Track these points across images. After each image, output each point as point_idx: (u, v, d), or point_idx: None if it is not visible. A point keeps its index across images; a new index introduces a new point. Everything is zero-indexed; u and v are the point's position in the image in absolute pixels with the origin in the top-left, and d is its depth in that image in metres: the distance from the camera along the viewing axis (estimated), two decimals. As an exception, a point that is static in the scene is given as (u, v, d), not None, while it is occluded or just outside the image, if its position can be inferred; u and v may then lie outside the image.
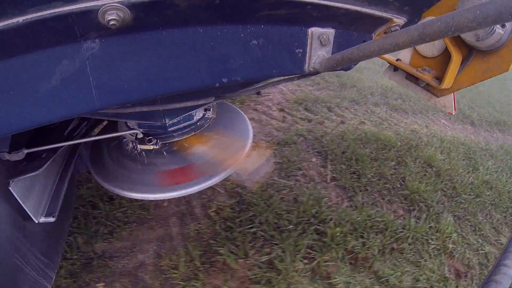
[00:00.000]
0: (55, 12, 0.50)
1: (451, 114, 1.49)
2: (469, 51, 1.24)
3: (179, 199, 1.89)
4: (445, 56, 1.30)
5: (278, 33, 0.76)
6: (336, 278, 1.51)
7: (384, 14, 0.81)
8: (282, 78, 0.96)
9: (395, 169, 2.34)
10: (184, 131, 1.25)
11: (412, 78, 1.53)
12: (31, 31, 0.51)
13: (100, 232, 1.64)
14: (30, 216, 0.86)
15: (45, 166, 0.91)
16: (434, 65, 1.40)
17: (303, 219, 1.76)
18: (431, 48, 1.37)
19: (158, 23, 0.61)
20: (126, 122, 1.24)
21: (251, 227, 1.69)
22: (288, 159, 2.23)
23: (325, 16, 0.75)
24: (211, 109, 1.39)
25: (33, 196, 0.90)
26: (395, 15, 0.83)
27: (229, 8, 0.64)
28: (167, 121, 1.14)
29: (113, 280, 1.46)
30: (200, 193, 1.93)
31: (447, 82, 1.29)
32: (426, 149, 2.67)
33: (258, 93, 1.43)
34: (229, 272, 1.51)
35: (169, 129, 1.20)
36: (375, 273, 1.59)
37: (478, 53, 1.21)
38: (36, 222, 0.89)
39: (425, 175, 2.38)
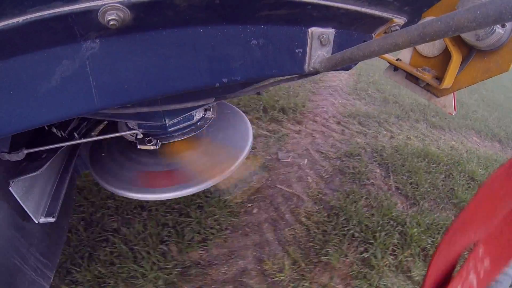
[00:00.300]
0: (55, 12, 0.50)
1: (451, 114, 1.49)
2: (469, 51, 1.24)
3: (267, 207, 2.01)
4: (445, 56, 1.30)
5: (278, 33, 0.76)
6: (414, 272, 1.72)
7: (384, 14, 0.81)
8: (282, 78, 0.96)
9: (444, 181, 2.62)
10: (184, 131, 1.24)
11: (412, 78, 1.53)
12: (31, 31, 0.51)
13: (194, 240, 1.67)
14: (30, 216, 0.86)
15: (45, 166, 0.91)
16: (434, 65, 1.40)
17: (385, 221, 1.99)
18: (431, 48, 1.37)
19: (158, 23, 0.61)
20: (126, 123, 1.23)
21: (348, 229, 1.87)
22: (359, 170, 2.50)
23: (325, 16, 0.75)
24: (211, 110, 1.39)
25: (33, 196, 0.90)
26: (395, 15, 0.83)
27: (229, 8, 0.64)
28: (167, 122, 1.14)
29: None
30: (286, 199, 2.10)
31: (447, 82, 1.29)
32: (468, 164, 2.94)
33: (258, 93, 1.43)
34: (332, 270, 1.66)
35: (169, 130, 1.20)
36: (441, 268, 1.82)
37: (478, 52, 1.21)
38: (36, 222, 0.89)
39: (469, 187, 2.63)
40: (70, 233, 1.68)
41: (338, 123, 3.30)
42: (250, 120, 2.80)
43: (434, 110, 4.26)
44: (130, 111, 0.99)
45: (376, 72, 5.38)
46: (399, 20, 0.85)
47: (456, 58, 1.23)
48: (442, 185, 2.54)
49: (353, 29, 0.86)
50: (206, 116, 1.35)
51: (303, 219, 1.93)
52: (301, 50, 0.81)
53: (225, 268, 1.60)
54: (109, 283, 1.45)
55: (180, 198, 1.87)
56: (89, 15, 0.52)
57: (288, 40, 0.78)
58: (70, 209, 1.28)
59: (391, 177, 2.51)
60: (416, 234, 1.92)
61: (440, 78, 1.34)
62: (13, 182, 0.80)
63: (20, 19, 0.49)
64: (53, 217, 0.94)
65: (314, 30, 0.79)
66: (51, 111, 0.59)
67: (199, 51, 0.68)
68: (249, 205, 1.99)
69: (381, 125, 3.44)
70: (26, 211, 0.84)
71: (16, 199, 0.80)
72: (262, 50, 0.75)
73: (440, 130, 3.79)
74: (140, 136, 1.17)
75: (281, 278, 1.56)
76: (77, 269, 1.51)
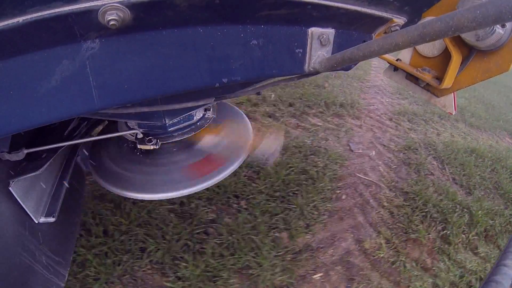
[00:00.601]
0: (55, 12, 0.50)
1: (451, 114, 1.49)
2: (469, 51, 1.24)
3: (352, 193, 2.24)
4: (445, 56, 1.30)
5: (278, 33, 0.76)
6: (480, 249, 1.96)
7: (384, 14, 0.81)
8: (282, 78, 0.96)
9: (489, 174, 2.93)
10: (184, 131, 1.24)
11: (412, 78, 1.53)
12: (31, 31, 0.51)
13: (300, 226, 1.81)
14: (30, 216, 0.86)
15: (45, 166, 0.91)
16: (434, 65, 1.40)
17: (453, 205, 2.26)
18: (431, 48, 1.37)
19: (158, 23, 0.61)
20: (126, 122, 1.23)
21: (427, 211, 2.14)
22: (420, 162, 2.78)
23: (325, 16, 0.75)
24: (211, 109, 1.39)
25: (33, 196, 0.90)
26: (395, 15, 0.83)
27: (229, 8, 0.64)
28: (167, 121, 1.14)
29: (328, 269, 1.63)
30: (367, 186, 2.34)
31: (447, 82, 1.29)
32: (508, 161, 3.22)
33: (258, 93, 1.44)
34: (420, 246, 1.89)
35: (169, 129, 1.20)
36: (498, 247, 2.03)
37: (478, 53, 1.21)
38: (36, 222, 0.89)
39: (511, 181, 2.93)
40: (164, 225, 1.68)
41: (391, 119, 3.65)
42: (313, 114, 3.33)
43: (470, 111, 4.62)
44: (130, 111, 0.99)
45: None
46: (399, 20, 0.85)
47: (456, 58, 1.23)
48: (489, 178, 2.83)
49: (353, 29, 0.86)
50: (206, 115, 1.35)
51: (385, 204, 2.19)
52: (301, 50, 0.81)
53: (331, 250, 1.75)
54: (222, 276, 1.44)
55: (279, 186, 2.07)
56: (89, 15, 0.52)
57: (288, 40, 0.78)
58: (80, 206, 1.28)
59: (447, 169, 2.82)
60: (480, 216, 2.19)
61: (440, 78, 1.34)
62: (13, 182, 0.80)
63: (20, 19, 0.49)
64: (53, 216, 0.93)
65: (314, 30, 0.79)
66: (51, 111, 0.59)
67: (199, 51, 0.68)
68: (337, 191, 2.22)
69: (427, 123, 3.77)
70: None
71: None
72: (262, 50, 0.75)
73: (477, 129, 4.11)
74: (140, 135, 1.17)
75: (381, 255, 1.76)
76: (184, 264, 1.49)
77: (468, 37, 1.16)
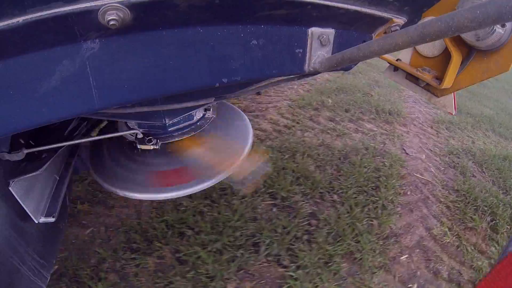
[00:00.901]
0: (55, 12, 0.50)
1: (451, 114, 1.49)
2: (469, 51, 1.24)
3: (415, 190, 2.56)
4: (445, 56, 1.30)
5: (278, 33, 0.76)
6: None
7: (384, 14, 0.81)
8: (282, 78, 0.96)
9: None
10: (184, 131, 1.25)
11: (412, 78, 1.53)
12: (31, 31, 0.51)
13: (385, 216, 2.10)
14: (29, 216, 0.86)
15: (45, 166, 0.91)
16: (434, 65, 1.40)
17: (496, 201, 2.55)
18: (431, 48, 1.37)
19: (158, 23, 0.61)
20: (126, 122, 1.24)
21: (478, 205, 2.45)
22: (463, 165, 3.15)
23: (325, 16, 0.75)
24: (211, 109, 1.39)
25: (33, 196, 0.89)
26: (395, 15, 0.83)
27: (229, 8, 0.64)
28: (167, 121, 1.14)
29: (410, 252, 1.92)
30: (424, 185, 2.66)
31: (447, 82, 1.29)
32: None
33: (258, 93, 1.44)
34: (476, 234, 2.19)
35: (169, 129, 1.20)
36: (533, 238, 2.37)
37: (478, 53, 1.21)
38: (36, 222, 0.89)
39: None
40: (276, 219, 1.85)
41: (431, 127, 4.00)
42: (367, 120, 3.70)
43: (497, 122, 4.96)
44: (130, 111, 0.99)
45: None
46: (399, 20, 0.85)
47: (456, 58, 1.23)
48: (523, 182, 3.18)
49: (353, 29, 0.86)
50: (206, 115, 1.35)
51: (442, 199, 2.50)
52: (301, 50, 0.81)
53: (409, 236, 2.03)
54: (335, 261, 1.68)
55: (362, 182, 2.37)
56: (89, 15, 0.52)
57: (288, 40, 0.78)
58: (66, 209, 1.27)
59: (485, 173, 3.14)
60: (522, 211, 2.48)
61: (440, 78, 1.34)
62: (13, 182, 0.80)
63: (20, 19, 0.49)
64: (53, 217, 0.93)
65: (314, 30, 0.79)
66: (51, 111, 0.59)
67: (199, 51, 0.68)
68: (404, 188, 2.55)
69: (462, 131, 4.13)
70: (25, 211, 0.84)
71: (14, 199, 0.80)
72: (262, 50, 0.75)
73: (505, 139, 4.41)
74: (140, 136, 1.17)
75: (447, 240, 2.05)
76: (303, 253, 1.68)
77: (468, 37, 1.16)
